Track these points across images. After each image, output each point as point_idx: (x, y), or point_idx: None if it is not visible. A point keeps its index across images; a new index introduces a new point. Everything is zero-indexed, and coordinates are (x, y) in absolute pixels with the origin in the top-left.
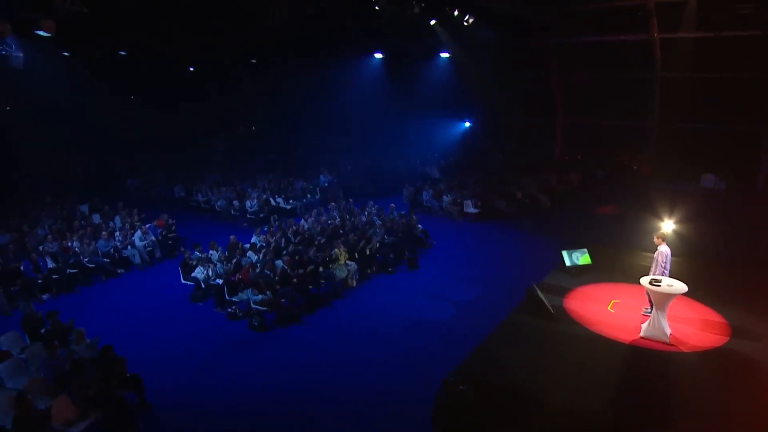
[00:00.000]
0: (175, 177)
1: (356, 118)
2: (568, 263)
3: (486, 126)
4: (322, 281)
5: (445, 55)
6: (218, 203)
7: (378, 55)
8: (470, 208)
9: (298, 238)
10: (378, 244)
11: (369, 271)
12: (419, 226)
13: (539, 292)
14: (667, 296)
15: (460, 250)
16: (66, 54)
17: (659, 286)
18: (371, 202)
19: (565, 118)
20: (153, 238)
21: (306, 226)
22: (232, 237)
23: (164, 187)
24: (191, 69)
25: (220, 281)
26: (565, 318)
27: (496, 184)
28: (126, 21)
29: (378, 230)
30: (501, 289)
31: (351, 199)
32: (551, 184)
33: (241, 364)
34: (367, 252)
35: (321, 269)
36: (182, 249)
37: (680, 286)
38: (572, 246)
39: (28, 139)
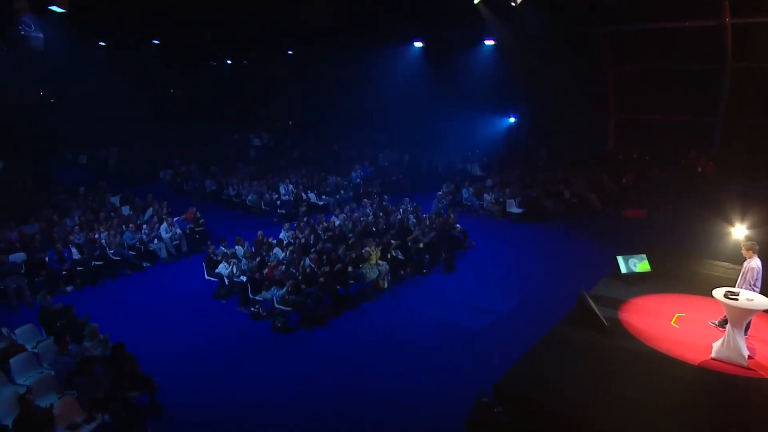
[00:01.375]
0: (208, 170)
1: (394, 113)
2: (623, 270)
3: (532, 121)
4: (351, 281)
5: (489, 42)
6: (249, 197)
7: (418, 44)
8: (513, 208)
9: (327, 235)
10: (421, 244)
11: (402, 272)
12: (457, 225)
13: (591, 302)
14: (746, 312)
15: (502, 253)
16: (102, 44)
17: (737, 300)
18: (407, 199)
19: (619, 113)
20: (179, 230)
21: (337, 223)
22: (259, 232)
23: (197, 180)
24: (228, 62)
25: (244, 278)
26: (620, 332)
27: (542, 183)
28: (161, 10)
29: (414, 228)
30: (546, 297)
31: (386, 196)
32: (602, 183)
33: (261, 367)
34: (418, 246)
35: (350, 269)
36: (208, 243)
37: (762, 301)
38: (628, 251)
39: (69, 132)
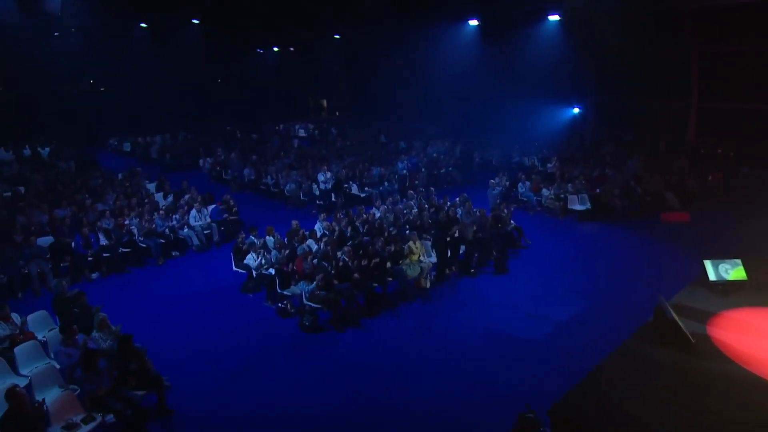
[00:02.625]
0: (249, 159)
1: (446, 102)
2: (712, 277)
3: (599, 112)
4: (389, 279)
5: (554, 17)
6: (287, 187)
7: (473, 22)
8: (576, 205)
9: (366, 228)
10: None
11: (448, 271)
12: (512, 222)
13: (673, 313)
14: None
15: (562, 254)
16: (144, 25)
17: None
18: (465, 195)
19: (702, 102)
20: (209, 219)
21: (377, 215)
22: (294, 222)
23: (236, 169)
24: (275, 49)
25: (273, 271)
26: (709, 350)
27: (610, 178)
28: None
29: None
30: (614, 306)
31: (433, 188)
32: (682, 181)
33: (284, 369)
34: (461, 241)
35: (389, 265)
36: (238, 233)
37: None
38: (716, 255)
39: (115, 120)
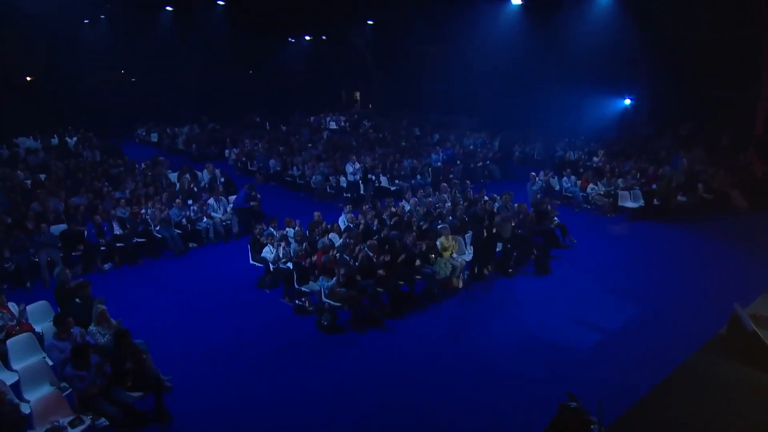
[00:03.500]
0: (276, 150)
1: (484, 93)
2: None
3: (654, 103)
4: (418, 277)
5: None
6: (313, 179)
7: (516, 1)
8: (629, 202)
9: (393, 221)
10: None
11: (485, 270)
12: (556, 219)
13: (753, 324)
14: None
15: (613, 255)
16: (169, 8)
17: None
18: (511, 193)
19: None
20: (228, 209)
21: (407, 208)
22: (316, 214)
23: (262, 160)
24: (307, 38)
25: (291, 265)
26: None
27: (667, 173)
28: None
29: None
30: (674, 315)
31: (468, 181)
32: (751, 177)
33: (297, 373)
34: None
35: (418, 262)
36: (257, 224)
37: None
38: None
39: (145, 110)
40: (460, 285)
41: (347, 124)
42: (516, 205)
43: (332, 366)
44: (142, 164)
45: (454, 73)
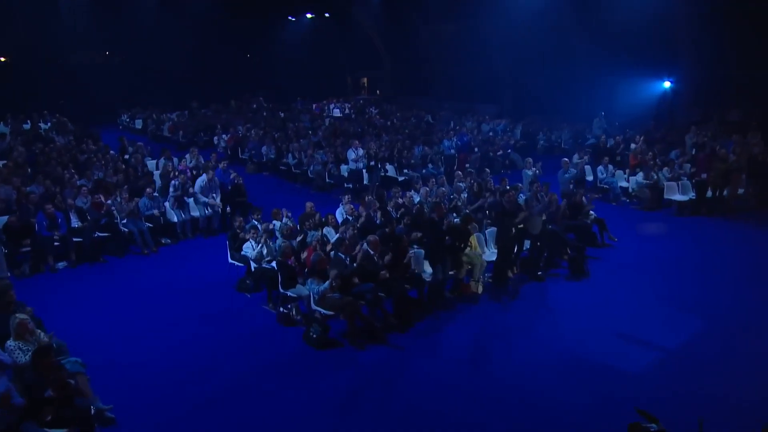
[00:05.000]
0: (272, 136)
1: (505, 77)
2: None
3: (699, 85)
4: (428, 280)
5: None
6: (311, 168)
7: None
8: (677, 194)
9: (400, 214)
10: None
11: (510, 273)
12: (592, 213)
13: None
14: None
15: (661, 255)
16: None
17: None
18: (548, 182)
19: None
20: (217, 197)
21: (416, 199)
22: (308, 204)
23: (255, 146)
24: (308, 15)
25: (275, 264)
26: None
27: (721, 161)
28: None
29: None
30: (746, 330)
31: (488, 170)
32: None
33: (277, 397)
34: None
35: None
36: (234, 217)
37: None
38: None
39: (130, 94)
40: (480, 290)
41: (352, 111)
42: (548, 196)
43: (322, 390)
44: (118, 150)
45: (472, 54)
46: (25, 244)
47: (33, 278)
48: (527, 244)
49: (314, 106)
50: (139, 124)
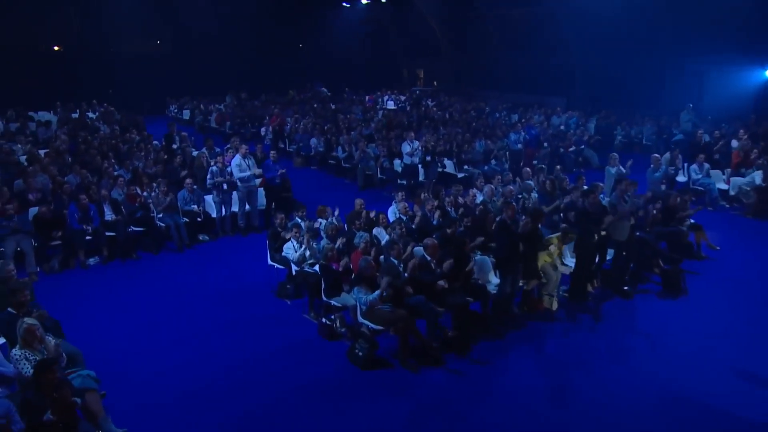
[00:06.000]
0: (322, 128)
1: (578, 68)
2: None
3: None
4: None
5: None
6: (362, 162)
7: None
8: None
9: (460, 214)
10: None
11: (590, 287)
12: (689, 219)
13: None
14: None
15: None
16: None
17: None
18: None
19: None
20: (256, 169)
21: (479, 199)
22: (358, 201)
23: (303, 139)
24: (364, 1)
25: (318, 268)
26: None
27: None
28: None
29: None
30: None
31: (559, 166)
32: None
33: (316, 426)
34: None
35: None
36: (276, 214)
37: None
38: None
39: (180, 84)
40: (555, 306)
41: (407, 103)
42: (640, 197)
43: (367, 419)
44: (163, 140)
45: (542, 42)
46: (56, 237)
47: (62, 274)
48: (611, 253)
49: (367, 98)
50: (186, 114)
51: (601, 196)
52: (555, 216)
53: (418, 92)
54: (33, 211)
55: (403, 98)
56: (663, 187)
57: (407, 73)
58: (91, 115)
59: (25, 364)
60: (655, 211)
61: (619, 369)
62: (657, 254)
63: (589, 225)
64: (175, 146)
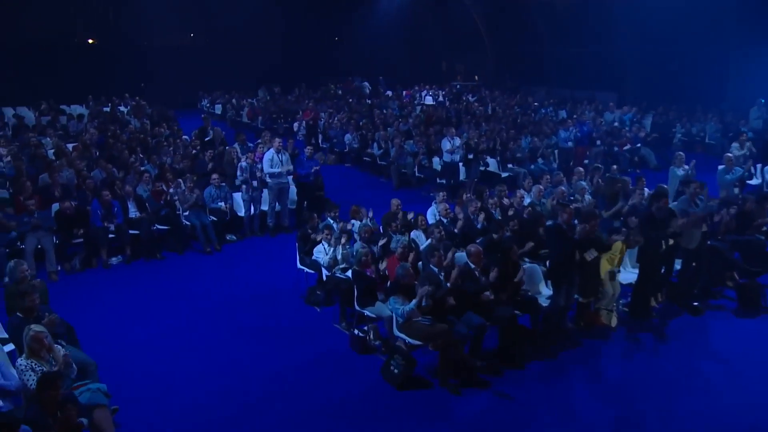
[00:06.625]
0: (357, 123)
1: (633, 60)
2: None
3: None
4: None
5: None
6: (399, 160)
7: None
8: None
9: (507, 217)
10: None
11: (654, 301)
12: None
13: None
14: None
15: None
16: None
17: None
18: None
19: None
20: (290, 165)
21: (526, 201)
22: (394, 202)
23: (337, 134)
24: None
25: (351, 274)
26: None
27: None
28: None
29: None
30: None
31: (615, 166)
32: None
33: None
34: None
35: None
36: (308, 214)
37: None
38: None
39: (213, 78)
40: (614, 322)
41: (446, 99)
42: (713, 200)
43: None
44: (192, 135)
45: (590, 32)
46: (78, 234)
47: (83, 274)
48: (678, 264)
49: (404, 93)
50: (219, 109)
51: None
52: (616, 222)
53: (458, 86)
54: (56, 207)
55: (442, 93)
56: (736, 190)
57: (446, 66)
58: (122, 108)
59: (30, 375)
60: (728, 218)
61: (688, 399)
62: (731, 266)
63: (655, 232)
64: (207, 139)
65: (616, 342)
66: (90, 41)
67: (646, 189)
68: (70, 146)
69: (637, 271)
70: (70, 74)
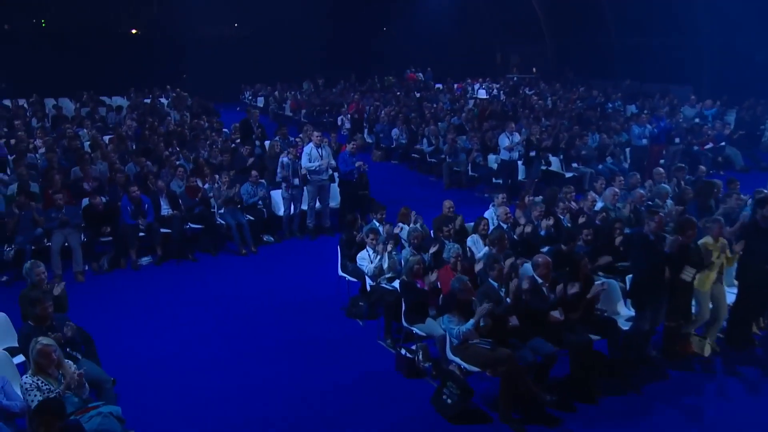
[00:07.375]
0: (406, 117)
1: (710, 50)
2: None
3: None
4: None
5: None
6: (451, 157)
7: None
8: None
9: (577, 225)
10: None
11: (755, 328)
12: None
13: None
14: None
15: None
16: None
17: None
18: None
19: None
20: (332, 161)
21: (598, 205)
22: (446, 203)
23: (383, 129)
24: None
25: (399, 285)
26: None
27: None
28: None
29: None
30: None
31: (703, 167)
32: None
33: None
34: None
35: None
36: (351, 216)
37: None
38: None
39: (256, 70)
40: (707, 351)
41: (501, 92)
42: None
43: None
44: (232, 128)
45: (662, 20)
46: (106, 232)
47: (111, 274)
48: None
49: (455, 86)
50: (261, 102)
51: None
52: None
53: (515, 79)
54: (86, 202)
55: (496, 86)
56: None
57: (500, 58)
58: (163, 100)
59: (36, 395)
60: None
61: None
62: None
63: (759, 244)
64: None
65: (709, 375)
66: (133, 32)
67: (738, 192)
68: (106, 138)
69: (735, 290)
70: (112, 65)
